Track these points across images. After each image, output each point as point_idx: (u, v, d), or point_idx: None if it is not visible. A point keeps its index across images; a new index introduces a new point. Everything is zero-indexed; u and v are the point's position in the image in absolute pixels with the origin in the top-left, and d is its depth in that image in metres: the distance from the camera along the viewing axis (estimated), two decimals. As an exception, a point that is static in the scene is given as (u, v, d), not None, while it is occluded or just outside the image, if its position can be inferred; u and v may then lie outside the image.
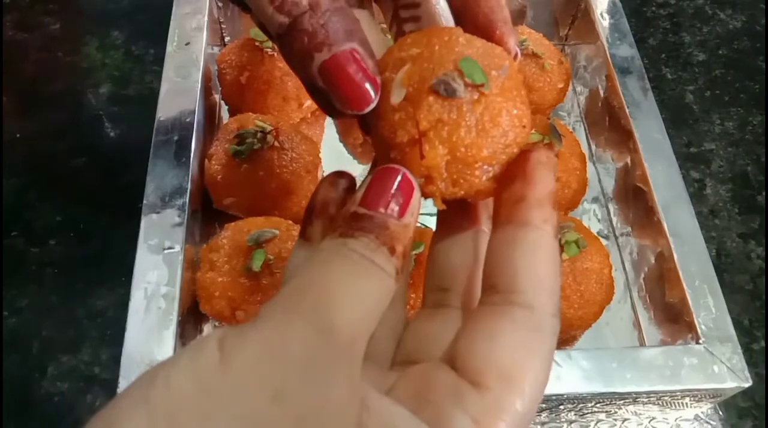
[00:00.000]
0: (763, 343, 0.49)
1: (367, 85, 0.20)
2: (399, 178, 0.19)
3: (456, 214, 0.22)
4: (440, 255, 0.23)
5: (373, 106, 0.20)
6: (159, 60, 0.58)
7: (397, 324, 0.22)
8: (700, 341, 0.39)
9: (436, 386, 0.18)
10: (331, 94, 0.20)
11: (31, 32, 0.61)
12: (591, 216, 0.51)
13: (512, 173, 0.20)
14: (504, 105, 0.20)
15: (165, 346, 0.36)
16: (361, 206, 0.18)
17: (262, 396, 0.14)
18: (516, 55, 0.22)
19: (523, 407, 0.17)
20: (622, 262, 0.49)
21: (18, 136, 0.55)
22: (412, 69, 0.20)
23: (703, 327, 0.39)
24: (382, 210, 0.18)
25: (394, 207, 0.18)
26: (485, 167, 0.20)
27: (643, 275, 0.46)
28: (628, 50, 0.51)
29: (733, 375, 0.38)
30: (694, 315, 0.40)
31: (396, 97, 0.20)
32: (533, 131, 0.45)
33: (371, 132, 0.21)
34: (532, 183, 0.19)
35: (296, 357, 0.15)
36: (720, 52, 0.65)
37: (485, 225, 0.22)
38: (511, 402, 0.17)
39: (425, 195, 0.20)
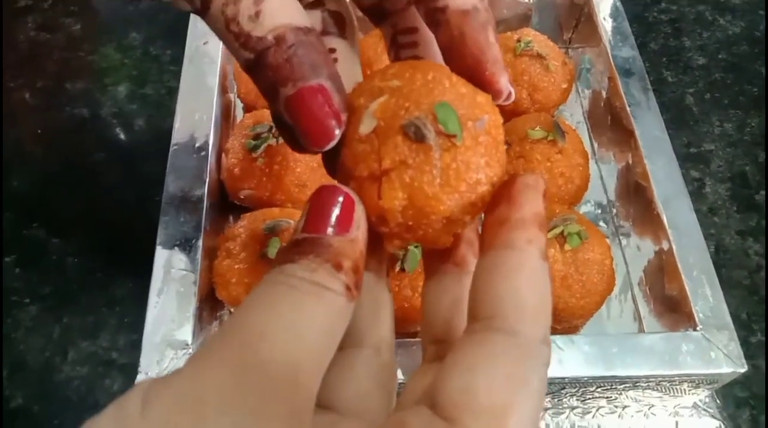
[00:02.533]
0: (760, 336, 0.50)
1: (332, 122, 0.19)
2: (338, 196, 0.18)
3: (439, 258, 0.21)
4: (430, 304, 0.21)
5: (333, 143, 0.19)
6: (175, 60, 0.60)
7: (387, 378, 0.20)
8: (698, 328, 0.40)
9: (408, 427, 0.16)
10: (295, 130, 0.19)
11: (53, 33, 0.63)
12: (594, 213, 0.53)
13: (498, 197, 0.19)
14: (473, 160, 0.18)
15: (184, 328, 0.38)
16: (303, 232, 0.17)
17: None
18: (509, 95, 0.21)
19: None
20: (624, 257, 0.50)
21: (40, 131, 0.57)
22: (387, 102, 0.19)
23: (701, 315, 0.41)
24: (323, 231, 0.17)
25: (335, 225, 0.17)
26: (442, 220, 0.18)
27: (643, 268, 0.48)
28: (629, 52, 0.53)
29: (729, 361, 0.39)
30: (692, 305, 0.41)
31: (365, 128, 0.19)
32: (537, 128, 0.47)
33: (337, 162, 0.20)
34: (516, 204, 0.18)
35: (214, 398, 0.14)
36: (720, 56, 0.67)
37: (472, 266, 0.20)
38: None
39: (376, 232, 0.19)
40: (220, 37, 0.19)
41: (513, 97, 0.21)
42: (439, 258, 0.21)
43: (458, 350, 0.16)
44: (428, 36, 0.24)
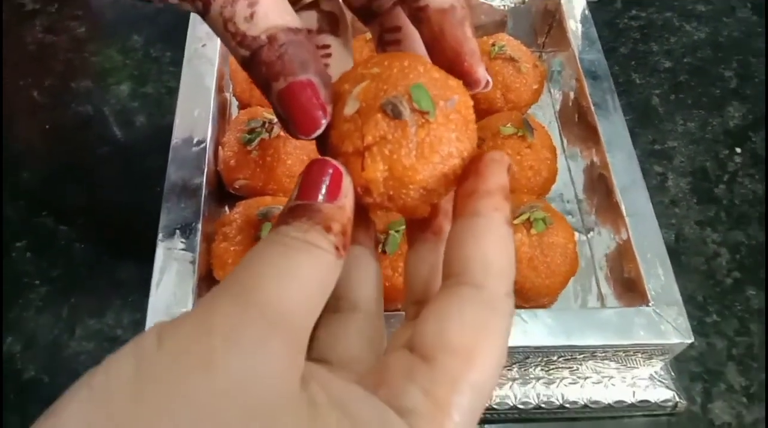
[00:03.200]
0: (715, 317, 0.55)
1: (319, 112, 0.21)
2: (328, 168, 0.20)
3: (419, 228, 0.23)
4: (411, 269, 0.23)
5: (319, 132, 0.21)
6: (175, 62, 0.64)
7: (376, 337, 0.22)
8: (650, 304, 0.44)
9: (390, 367, 0.18)
10: (287, 121, 0.21)
11: (59, 35, 0.67)
12: (562, 203, 0.57)
13: (467, 171, 0.21)
14: (445, 135, 0.20)
15: (185, 303, 0.42)
16: (296, 200, 0.19)
17: (193, 369, 0.15)
18: (487, 83, 0.23)
19: (478, 378, 0.17)
20: (589, 245, 0.54)
21: (48, 126, 0.61)
22: (368, 86, 0.21)
23: (653, 292, 0.45)
24: (314, 198, 0.19)
25: (325, 193, 0.19)
26: (419, 190, 0.20)
27: (605, 254, 0.52)
28: (596, 56, 0.57)
29: (678, 333, 0.43)
30: (646, 283, 0.45)
31: (349, 109, 0.21)
32: (508, 125, 0.51)
33: (327, 143, 0.22)
34: (482, 177, 0.20)
35: (221, 330, 0.16)
36: (685, 60, 0.71)
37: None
38: (462, 373, 0.17)
39: (362, 204, 0.21)
40: (219, 35, 0.21)
41: (491, 85, 0.23)
42: (419, 228, 0.23)
43: (433, 302, 0.19)
44: (411, 33, 0.26)
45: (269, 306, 0.16)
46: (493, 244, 0.19)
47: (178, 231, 0.45)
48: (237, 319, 0.16)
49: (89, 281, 0.52)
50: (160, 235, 0.45)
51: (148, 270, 0.44)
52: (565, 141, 0.60)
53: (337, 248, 0.18)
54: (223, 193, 0.53)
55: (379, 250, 0.46)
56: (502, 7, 0.61)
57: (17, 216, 0.55)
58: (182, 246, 0.44)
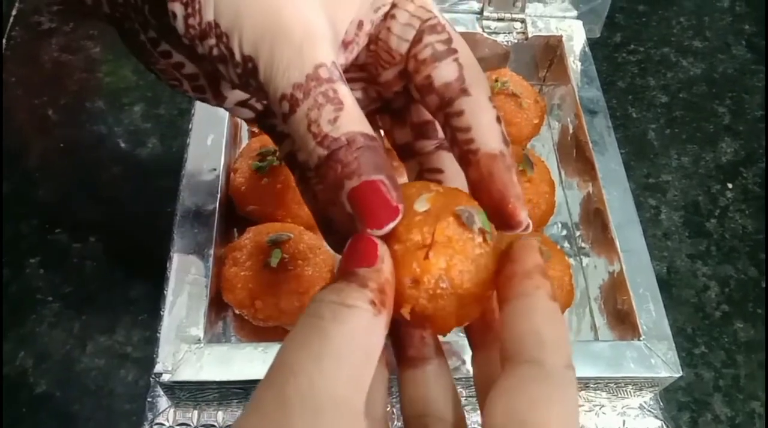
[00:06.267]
0: (703, 348, 0.57)
1: (392, 207, 0.22)
2: (364, 240, 0.21)
3: (481, 333, 0.25)
4: (479, 372, 0.25)
5: (392, 225, 0.22)
6: (187, 83, 0.66)
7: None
8: (641, 338, 0.46)
9: None
10: (356, 215, 0.22)
11: (75, 54, 0.69)
12: (559, 234, 0.59)
13: (503, 260, 0.22)
14: (492, 258, 0.22)
15: (197, 326, 0.43)
16: (338, 273, 0.21)
17: None
18: (528, 226, 0.24)
19: None
20: (584, 275, 0.56)
21: (62, 145, 0.63)
22: (435, 196, 0.23)
23: (644, 327, 0.47)
24: (352, 267, 0.20)
25: (362, 261, 0.20)
26: (461, 298, 0.22)
27: (599, 285, 0.54)
28: (594, 93, 0.59)
29: (666, 367, 0.45)
30: (638, 318, 0.47)
31: (420, 206, 0.22)
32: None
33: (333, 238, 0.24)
34: (518, 261, 0.21)
35: None
36: (680, 95, 0.74)
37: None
38: None
39: (405, 298, 0.22)
40: (298, 136, 0.23)
41: (530, 229, 0.24)
42: (481, 333, 0.25)
43: (497, 386, 0.20)
44: (453, 176, 0.28)
45: (311, 399, 0.17)
46: (542, 320, 0.20)
47: (190, 255, 0.47)
48: (285, 422, 0.17)
49: (101, 298, 0.54)
50: (173, 259, 0.46)
51: (159, 289, 0.46)
52: (563, 172, 0.62)
53: (373, 303, 0.19)
54: (232, 216, 0.55)
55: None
56: (505, 43, 0.63)
57: (31, 232, 0.57)
58: (194, 270, 0.46)
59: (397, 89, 0.29)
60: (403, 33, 0.27)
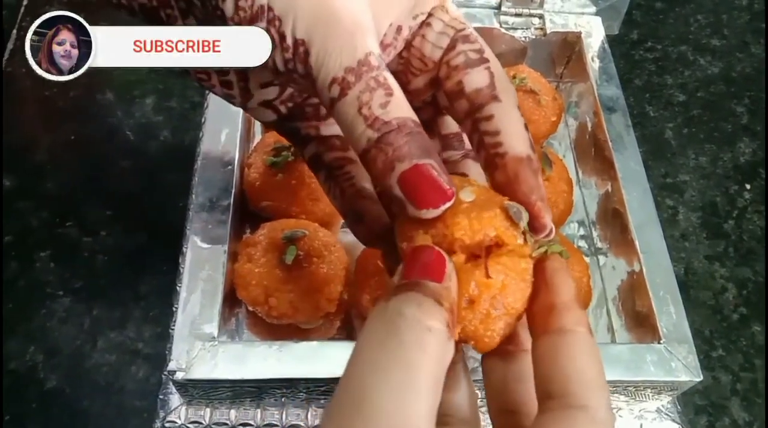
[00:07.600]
0: (720, 351, 0.56)
1: (445, 189, 0.22)
2: (432, 253, 0.21)
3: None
4: (494, 379, 0.25)
5: (446, 206, 0.22)
6: (199, 77, 0.65)
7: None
8: (662, 341, 0.46)
9: None
10: (407, 198, 0.22)
11: (86, 46, 0.68)
12: (576, 234, 0.58)
13: (537, 284, 0.22)
14: (529, 270, 0.22)
15: (211, 323, 0.43)
16: (402, 280, 0.20)
17: None
18: (551, 231, 0.24)
19: None
20: (601, 275, 0.56)
21: (73, 138, 0.62)
22: (479, 189, 0.23)
23: (664, 330, 0.46)
24: (421, 278, 0.20)
25: (430, 274, 0.20)
26: (507, 321, 0.22)
27: (617, 286, 0.53)
28: (614, 91, 0.58)
29: (687, 371, 0.44)
30: (657, 320, 0.46)
31: (466, 196, 0.22)
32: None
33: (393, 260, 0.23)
34: (555, 290, 0.22)
35: None
36: (698, 94, 0.73)
37: (528, 344, 0.24)
38: None
39: (459, 319, 0.21)
40: (347, 119, 0.23)
41: (553, 234, 0.25)
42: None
43: (543, 426, 0.20)
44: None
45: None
46: (588, 362, 0.21)
47: (204, 251, 0.46)
48: None
49: (111, 293, 0.53)
50: (187, 255, 0.46)
51: (170, 285, 0.45)
52: (580, 171, 0.61)
53: (448, 325, 0.19)
54: (245, 212, 0.54)
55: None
56: (523, 39, 0.62)
57: (41, 226, 0.56)
58: (209, 267, 0.45)
59: (425, 98, 0.30)
60: (438, 41, 0.27)
